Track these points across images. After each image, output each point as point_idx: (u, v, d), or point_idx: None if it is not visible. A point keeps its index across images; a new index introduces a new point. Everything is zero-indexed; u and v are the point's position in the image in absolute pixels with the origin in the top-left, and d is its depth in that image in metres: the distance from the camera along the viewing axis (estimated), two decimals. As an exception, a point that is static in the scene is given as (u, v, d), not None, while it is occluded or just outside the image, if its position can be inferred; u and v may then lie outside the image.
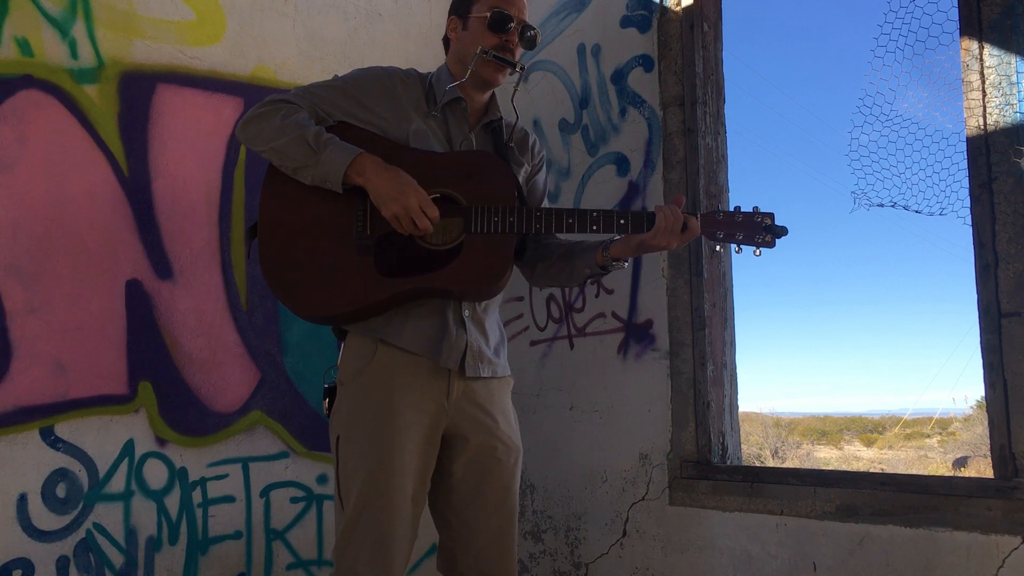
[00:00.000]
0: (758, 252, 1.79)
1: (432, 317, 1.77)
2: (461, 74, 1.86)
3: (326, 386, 1.84)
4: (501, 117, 1.94)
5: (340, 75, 1.88)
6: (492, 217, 1.74)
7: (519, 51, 1.87)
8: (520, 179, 1.92)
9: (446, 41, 1.95)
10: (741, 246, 1.79)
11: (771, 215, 1.78)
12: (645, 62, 2.81)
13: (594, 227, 1.76)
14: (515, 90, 1.92)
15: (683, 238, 1.77)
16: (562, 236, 1.99)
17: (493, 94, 1.93)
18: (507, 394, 1.91)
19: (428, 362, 1.76)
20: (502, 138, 1.92)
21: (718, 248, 1.80)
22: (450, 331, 1.77)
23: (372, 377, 1.75)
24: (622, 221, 1.75)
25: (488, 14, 1.81)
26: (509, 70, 1.85)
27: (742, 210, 1.78)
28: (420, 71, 1.93)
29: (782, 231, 1.78)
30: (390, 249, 1.75)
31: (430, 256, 1.74)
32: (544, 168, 2.06)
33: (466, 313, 1.81)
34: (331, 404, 1.82)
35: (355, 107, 1.82)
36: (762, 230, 1.77)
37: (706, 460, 2.53)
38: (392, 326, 1.76)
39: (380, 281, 1.73)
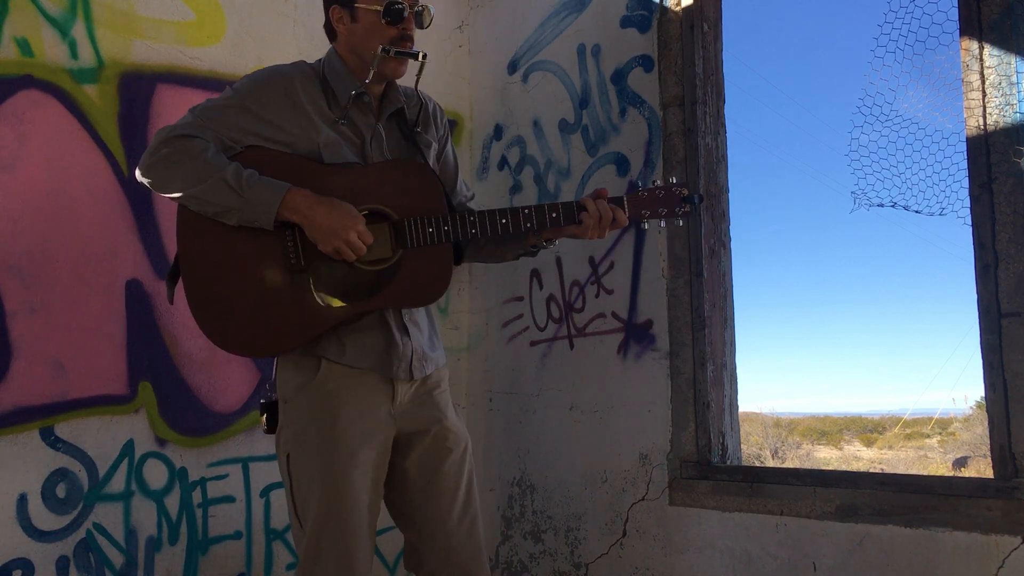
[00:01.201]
0: (679, 223, 1.87)
1: (374, 329, 1.76)
2: (358, 67, 1.82)
3: (263, 401, 1.81)
4: (403, 106, 1.90)
5: (234, 86, 1.80)
6: (427, 228, 1.73)
7: (414, 34, 1.82)
8: (431, 159, 1.90)
9: (330, 30, 1.88)
10: (663, 220, 1.86)
11: (686, 184, 1.88)
12: (645, 62, 2.81)
13: (528, 224, 1.79)
14: (418, 77, 1.86)
15: (612, 227, 1.82)
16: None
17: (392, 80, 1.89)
18: (447, 383, 1.91)
19: (374, 374, 1.75)
20: (407, 123, 1.89)
21: (644, 226, 1.87)
22: (396, 342, 1.76)
23: (317, 392, 1.72)
24: (554, 215, 1.80)
25: (380, 7, 1.76)
26: (411, 60, 1.80)
27: (658, 183, 1.85)
28: (309, 62, 1.87)
29: (699, 199, 1.90)
30: (327, 276, 1.72)
31: (370, 277, 1.73)
32: (449, 137, 2.03)
33: (406, 318, 1.80)
34: (269, 420, 1.79)
35: (259, 125, 1.74)
36: (681, 201, 1.84)
37: (706, 460, 2.53)
38: (332, 344, 1.73)
39: (323, 311, 1.70)
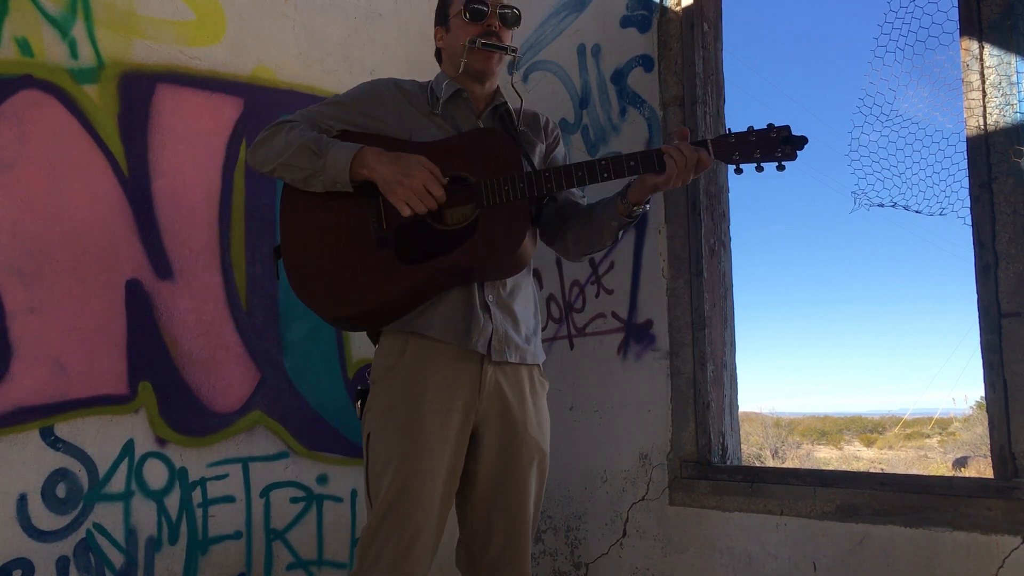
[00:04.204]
0: (781, 167, 1.69)
1: (458, 304, 1.78)
2: (453, 70, 1.89)
3: (359, 388, 1.86)
4: (506, 102, 1.94)
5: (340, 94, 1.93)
6: (503, 187, 1.74)
7: (506, 33, 1.88)
8: (536, 159, 1.93)
9: (438, 53, 1.98)
10: (762, 164, 1.68)
11: (787, 127, 1.68)
12: (645, 62, 2.81)
13: (605, 175, 1.72)
14: (512, 73, 1.93)
15: (698, 171, 1.71)
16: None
17: (498, 87, 1.95)
18: (541, 395, 1.90)
19: (459, 351, 1.76)
20: (512, 124, 1.93)
21: (737, 170, 1.72)
22: (477, 316, 1.78)
23: (403, 373, 1.76)
24: (632, 163, 1.71)
25: (463, 8, 1.85)
26: (500, 54, 1.86)
27: (755, 128, 1.69)
28: (420, 80, 1.96)
29: (801, 141, 1.67)
30: (409, 239, 1.76)
31: (448, 237, 1.75)
32: (561, 144, 2.07)
33: (490, 298, 1.81)
34: (363, 406, 1.82)
35: (357, 116, 1.86)
36: (779, 144, 1.67)
37: (706, 460, 2.53)
38: (422, 318, 1.78)
39: (402, 270, 1.74)
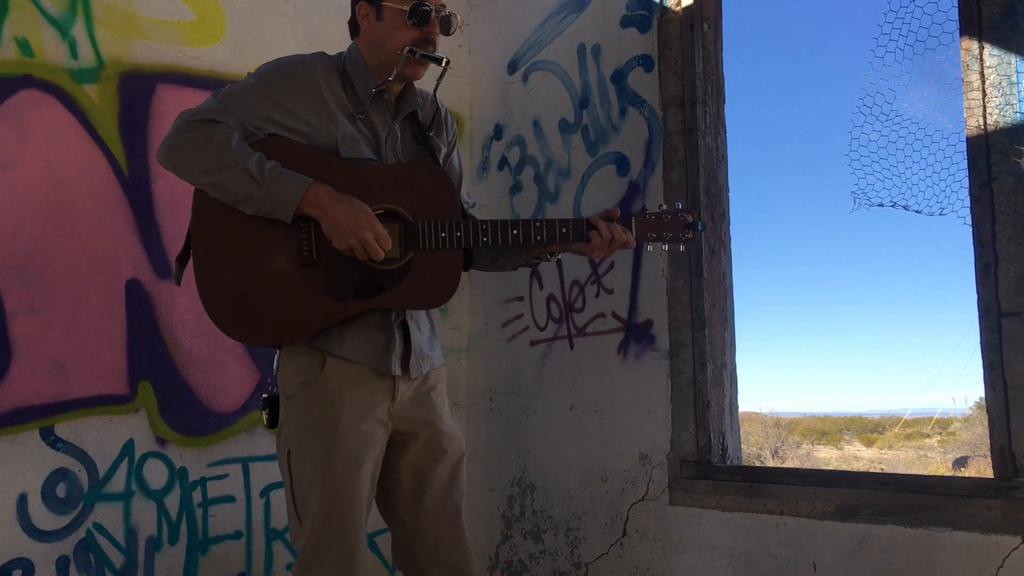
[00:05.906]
0: (682, 248, 1.93)
1: (374, 326, 1.77)
2: (378, 65, 1.82)
3: (264, 396, 1.82)
4: (419, 106, 1.91)
5: (257, 72, 1.80)
6: (439, 233, 1.76)
7: (439, 40, 1.83)
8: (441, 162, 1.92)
9: (354, 25, 1.88)
10: (668, 245, 1.91)
11: (692, 211, 1.99)
12: (645, 62, 2.81)
13: (538, 237, 1.83)
14: (439, 82, 1.87)
15: (622, 247, 1.87)
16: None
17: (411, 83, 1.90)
18: (444, 385, 1.93)
19: (374, 371, 1.76)
20: (421, 126, 1.91)
21: (648, 248, 1.95)
22: (394, 338, 1.78)
23: (321, 390, 1.74)
24: (564, 230, 1.84)
25: (407, 7, 1.77)
26: (432, 64, 1.82)
27: (665, 208, 1.90)
28: (330, 53, 1.88)
29: (702, 226, 1.97)
30: (337, 271, 1.73)
31: (379, 276, 1.75)
32: (456, 144, 2.04)
33: (408, 315, 1.82)
34: (271, 416, 1.80)
35: (281, 114, 1.75)
36: (685, 227, 1.90)
37: (706, 460, 2.53)
38: (332, 337, 1.75)
39: (329, 305, 1.72)
